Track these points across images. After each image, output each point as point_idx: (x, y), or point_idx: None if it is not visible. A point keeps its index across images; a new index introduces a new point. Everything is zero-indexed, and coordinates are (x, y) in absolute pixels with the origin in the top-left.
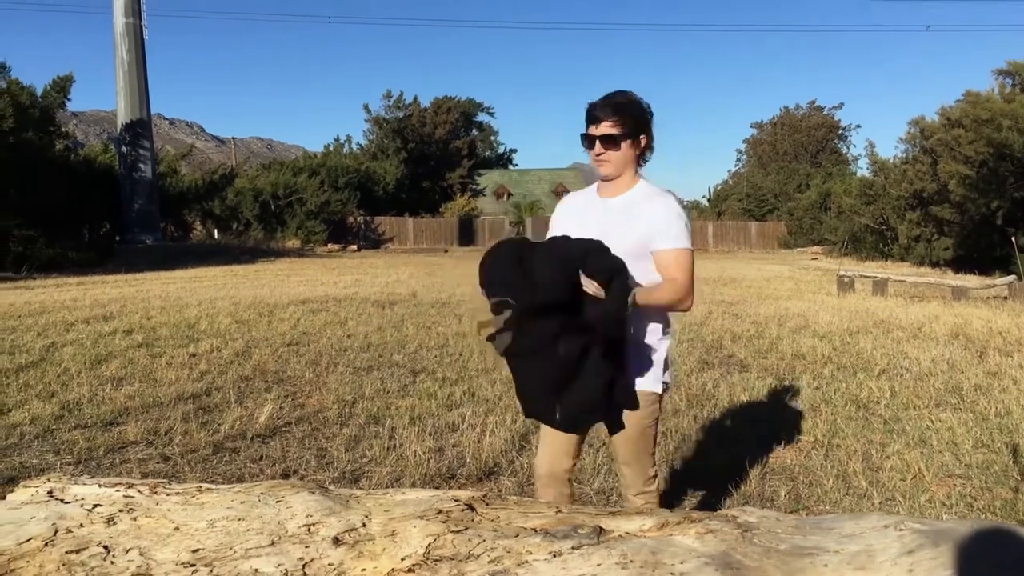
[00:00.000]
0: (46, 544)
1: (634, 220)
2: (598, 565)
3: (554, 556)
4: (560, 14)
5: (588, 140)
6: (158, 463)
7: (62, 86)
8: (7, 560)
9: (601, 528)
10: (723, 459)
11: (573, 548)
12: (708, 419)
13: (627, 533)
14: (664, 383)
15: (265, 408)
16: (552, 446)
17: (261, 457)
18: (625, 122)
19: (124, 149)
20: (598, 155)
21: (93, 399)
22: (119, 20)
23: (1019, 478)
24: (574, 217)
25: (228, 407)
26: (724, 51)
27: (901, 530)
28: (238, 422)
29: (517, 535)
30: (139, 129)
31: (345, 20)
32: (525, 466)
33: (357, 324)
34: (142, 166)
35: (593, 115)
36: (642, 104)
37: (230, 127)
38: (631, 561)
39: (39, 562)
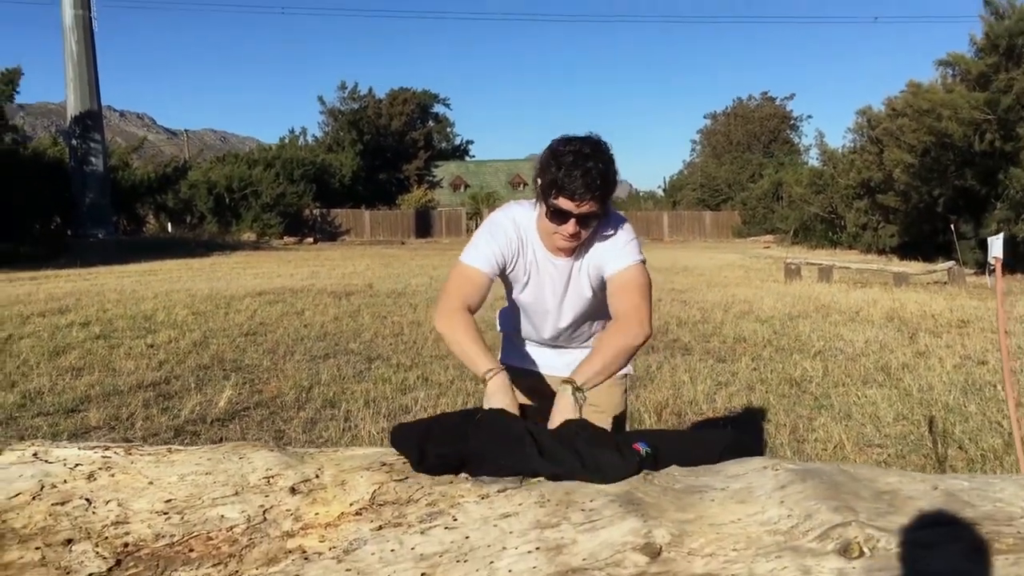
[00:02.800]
0: (34, 498)
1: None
2: (519, 504)
3: (483, 498)
4: (514, 5)
5: (559, 215)
6: None
7: (10, 79)
8: None
9: (524, 476)
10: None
11: (499, 491)
12: (649, 398)
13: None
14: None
15: (224, 394)
16: None
17: (221, 439)
18: (608, 196)
19: (74, 142)
20: (571, 235)
21: (54, 388)
22: (68, 12)
23: (931, 446)
24: (525, 277)
25: (188, 394)
26: (679, 42)
27: (777, 470)
28: (198, 407)
29: (451, 482)
30: (89, 122)
31: (298, 11)
32: None
33: (314, 314)
34: (93, 159)
35: (572, 189)
36: (615, 161)
37: (182, 119)
38: (548, 500)
39: (28, 513)
